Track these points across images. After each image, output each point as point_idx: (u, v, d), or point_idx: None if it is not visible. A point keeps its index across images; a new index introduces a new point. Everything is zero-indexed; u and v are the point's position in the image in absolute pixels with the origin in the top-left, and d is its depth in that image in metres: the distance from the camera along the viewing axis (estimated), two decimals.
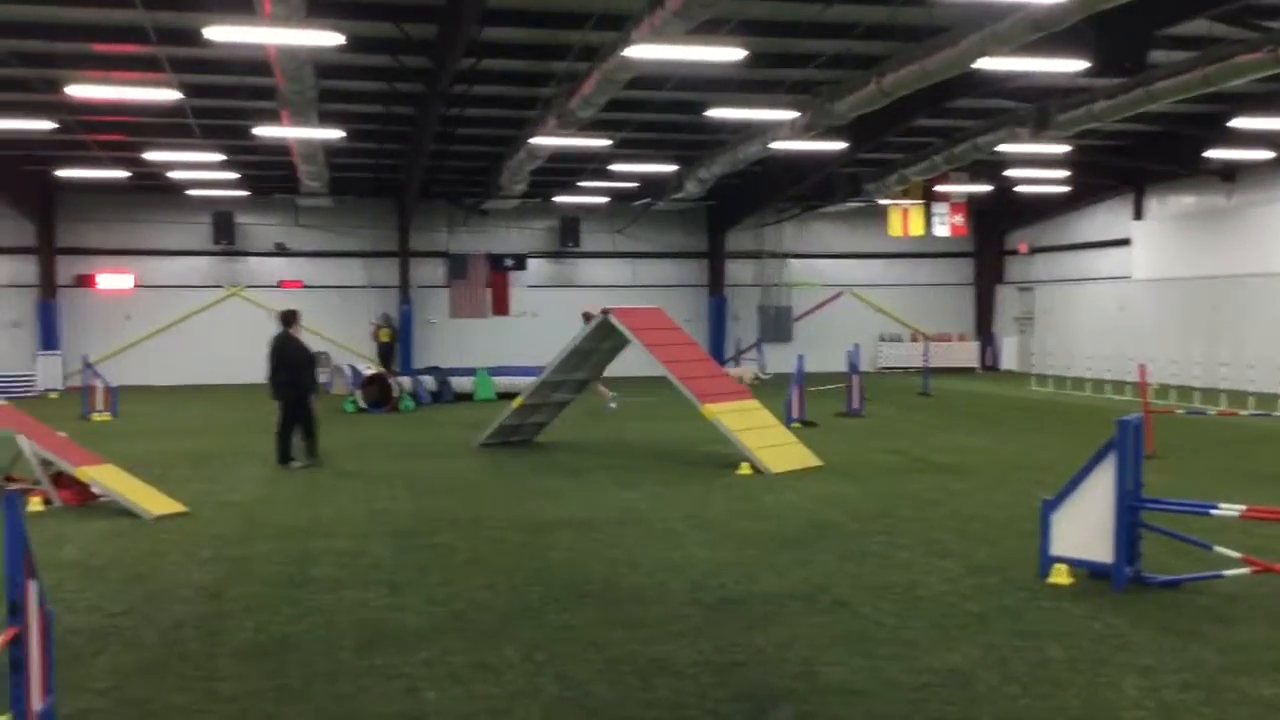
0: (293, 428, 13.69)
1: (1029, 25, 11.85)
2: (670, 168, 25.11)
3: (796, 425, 16.48)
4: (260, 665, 5.94)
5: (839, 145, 21.49)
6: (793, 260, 33.50)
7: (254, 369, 28.12)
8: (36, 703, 4.75)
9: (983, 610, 6.90)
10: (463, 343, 30.90)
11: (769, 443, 13.13)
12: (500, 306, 31.65)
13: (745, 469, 12.60)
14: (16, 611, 4.59)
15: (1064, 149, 22.64)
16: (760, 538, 9.17)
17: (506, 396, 22.36)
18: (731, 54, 13.47)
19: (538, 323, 30.81)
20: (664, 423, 17.94)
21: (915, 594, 7.33)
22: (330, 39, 12.06)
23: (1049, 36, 12.42)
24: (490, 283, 31.51)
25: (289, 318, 13.92)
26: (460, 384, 24.19)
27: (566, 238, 31.88)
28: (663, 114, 20.91)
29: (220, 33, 11.46)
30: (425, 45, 16.26)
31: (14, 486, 11.32)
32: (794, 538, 9.17)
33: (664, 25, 11.89)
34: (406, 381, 23.05)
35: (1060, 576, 7.51)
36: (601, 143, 20.81)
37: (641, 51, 12.74)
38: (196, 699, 5.43)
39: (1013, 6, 11.71)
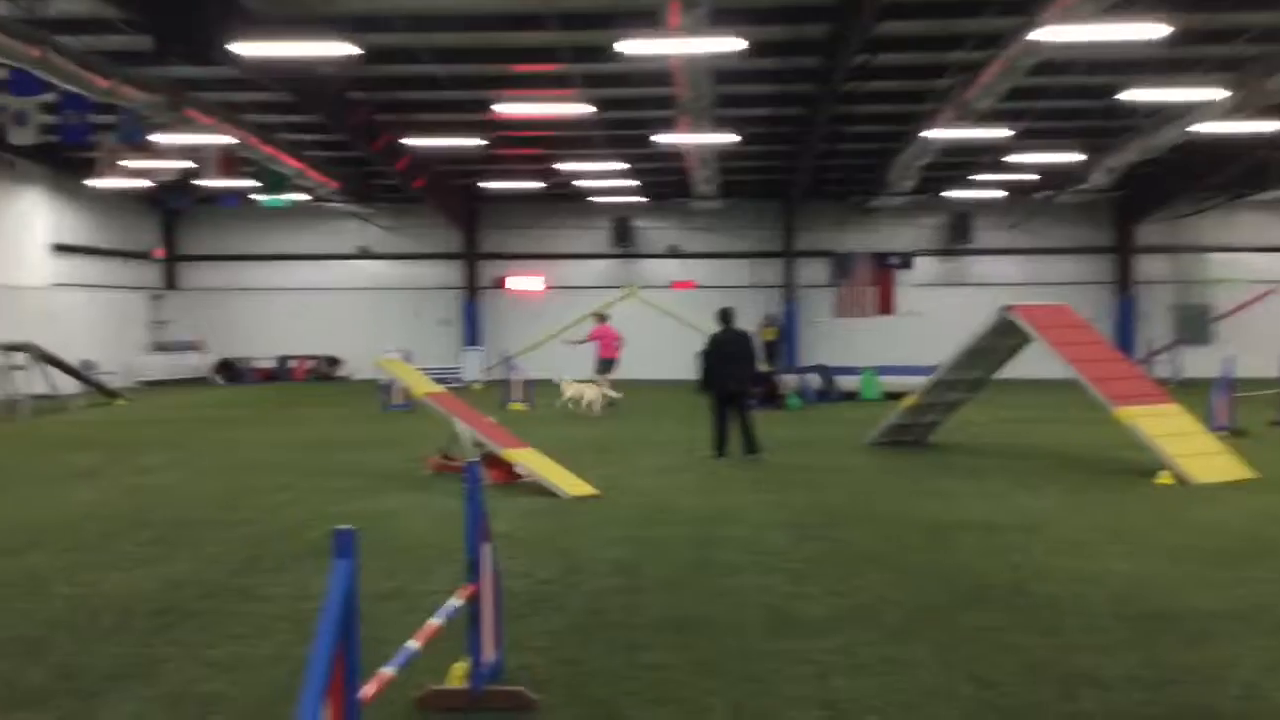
0: (745, 418, 13.85)
1: None
2: (1075, 157, 23.66)
3: (1223, 434, 14.98)
4: (676, 639, 6.23)
5: (1272, 125, 19.32)
6: (1214, 254, 30.51)
7: (647, 365, 29.76)
8: (489, 654, 5.27)
9: None
10: (846, 342, 30.82)
11: (1193, 450, 12.03)
12: (885, 306, 31.25)
13: (1165, 478, 11.62)
14: (474, 570, 5.12)
15: None
16: (1187, 552, 8.43)
17: (893, 396, 22.04)
18: (1153, 31, 12.48)
19: (925, 322, 30.15)
20: (1069, 426, 16.96)
21: None
22: (732, 45, 12.43)
23: None
24: (875, 281, 31.20)
25: (729, 315, 14.14)
26: (846, 383, 24.13)
27: (957, 234, 30.93)
28: (1068, 100, 19.80)
29: (631, 46, 12.14)
30: (818, 45, 16.38)
31: (449, 464, 12.65)
32: (1228, 554, 8.34)
33: (1077, 6, 11.27)
34: (793, 380, 23.32)
35: None
36: (1000, 133, 20.01)
37: (1050, 34, 12.13)
38: (621, 664, 5.79)
39: None
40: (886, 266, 31.10)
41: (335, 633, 3.19)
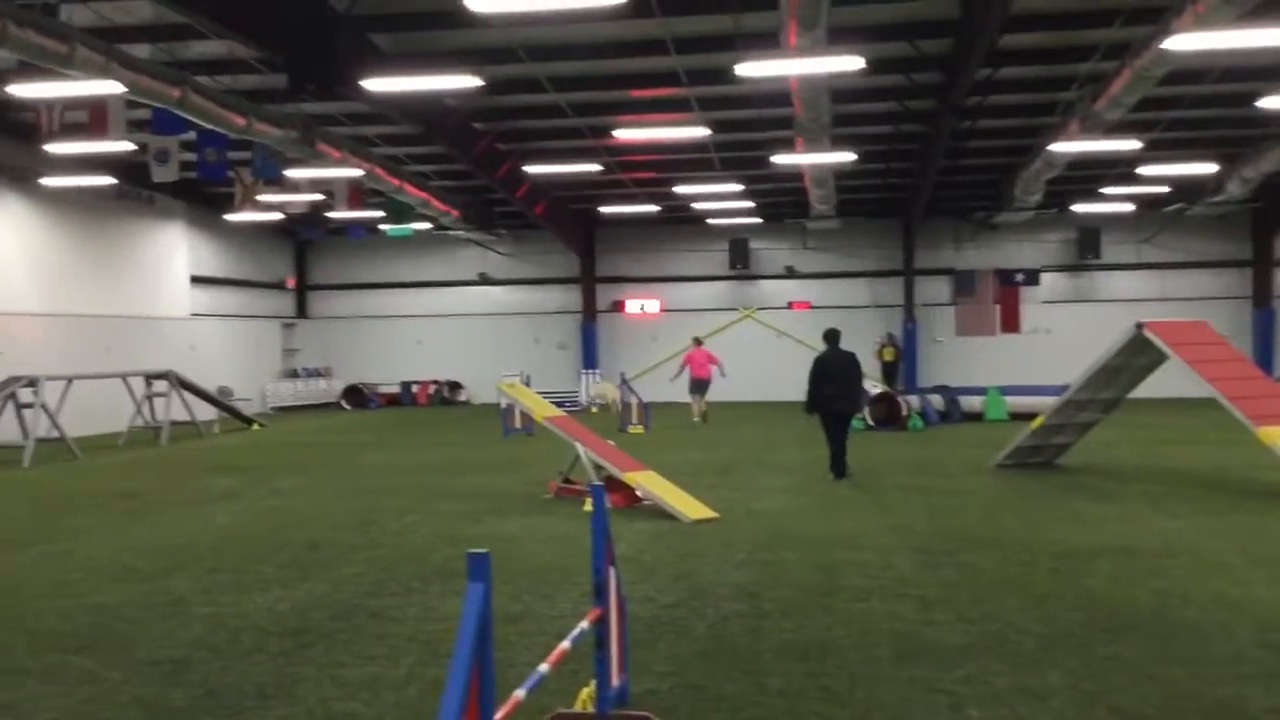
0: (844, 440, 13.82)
1: None
2: (1208, 167, 22.78)
3: None
4: (802, 665, 6.15)
5: None
6: None
7: (764, 387, 29.62)
8: (614, 679, 5.29)
9: None
10: (969, 361, 30.20)
11: None
12: (1010, 323, 30.51)
13: None
14: (600, 594, 5.15)
15: None
16: None
17: (1020, 417, 21.50)
18: None
19: (1051, 340, 29.39)
20: (1208, 447, 16.28)
21: None
22: (851, 64, 12.34)
23: None
24: (999, 299, 30.50)
25: (835, 336, 14.20)
26: (969, 403, 23.62)
27: (1085, 249, 30.04)
28: (1202, 109, 19.09)
29: (750, 69, 12.15)
30: (939, 60, 16.15)
31: (570, 488, 12.77)
32: None
33: (1210, 13, 10.87)
34: (914, 400, 22.91)
35: None
36: (1129, 145, 19.38)
37: (1183, 43, 11.71)
38: (747, 690, 5.74)
39: None
40: (1011, 283, 30.38)
41: (470, 655, 3.25)
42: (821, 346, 14.39)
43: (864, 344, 30.66)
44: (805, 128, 16.97)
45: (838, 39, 12.75)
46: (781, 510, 11.70)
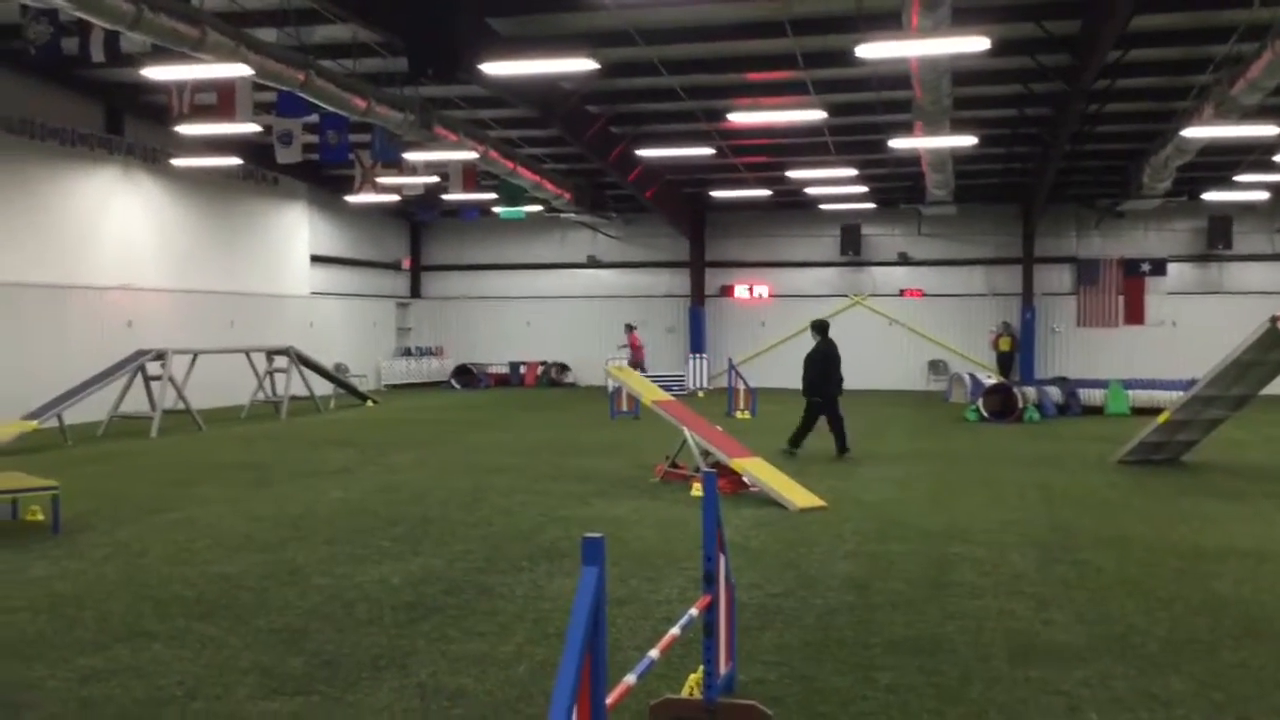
0: (815, 423, 15.10)
1: None
2: None
3: None
4: (913, 661, 6.03)
5: None
6: None
7: (873, 375, 29.20)
8: (722, 666, 5.25)
9: None
10: (1091, 353, 29.31)
11: None
12: (1134, 315, 29.47)
13: None
14: (710, 581, 5.11)
15: None
16: None
17: (1143, 412, 20.80)
18: None
19: (1178, 332, 28.34)
20: None
21: None
22: (976, 44, 12.00)
23: None
24: (1123, 289, 29.48)
25: (825, 326, 15.61)
26: (1089, 396, 22.90)
27: (1215, 239, 28.80)
28: None
29: (871, 50, 11.91)
30: (1067, 42, 15.62)
31: (677, 472, 12.76)
32: None
33: None
34: (1031, 392, 22.31)
35: None
36: (1266, 130, 18.47)
37: None
38: (856, 684, 5.65)
39: None
40: (1136, 274, 29.33)
41: (583, 639, 3.24)
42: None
43: (978, 334, 30.08)
44: (925, 111, 16.58)
45: (962, 20, 12.41)
46: (891, 501, 11.51)
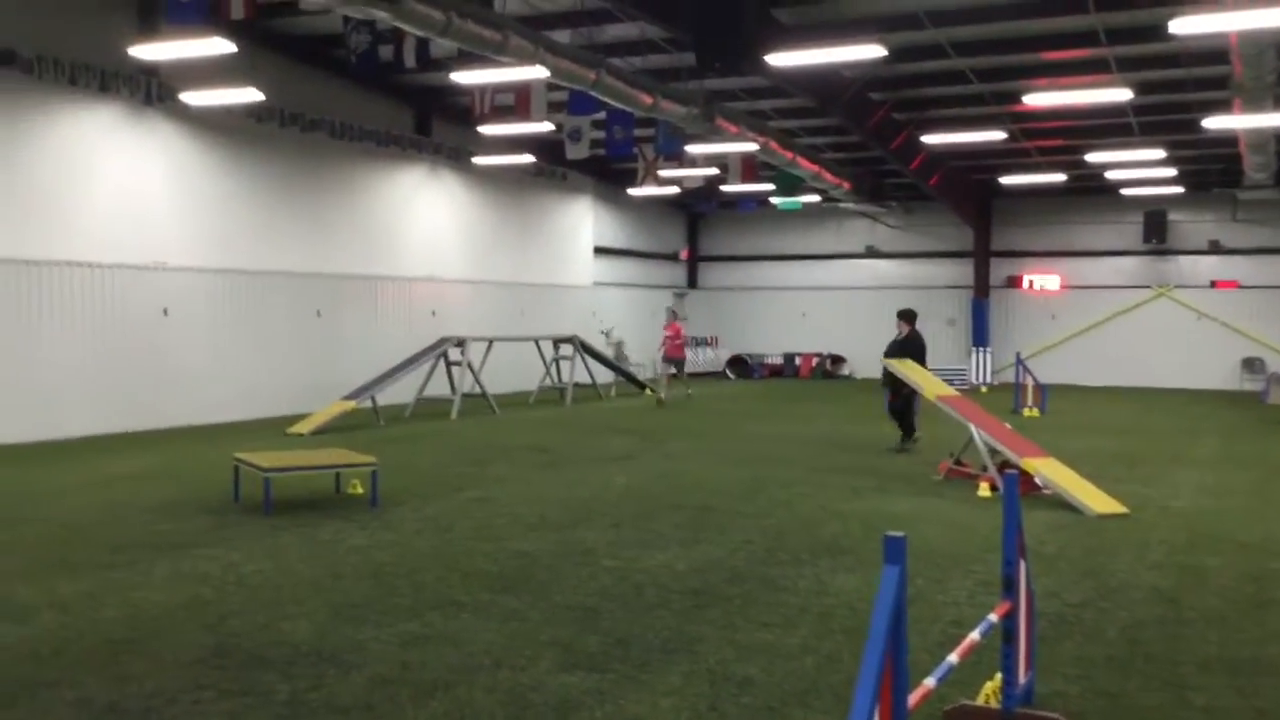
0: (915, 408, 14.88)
1: None
2: None
3: None
4: (1231, 681, 5.59)
5: None
6: None
7: (1181, 373, 27.17)
8: (1021, 676, 5.05)
9: None
10: None
11: None
12: None
13: None
14: (1010, 587, 4.93)
15: None
16: None
17: None
18: None
19: None
20: None
21: None
22: None
23: None
24: None
25: (913, 316, 15.58)
26: None
27: None
28: None
29: (1185, 24, 11.06)
30: None
31: (961, 470, 12.36)
32: None
33: None
34: None
35: None
36: None
37: None
38: (1168, 703, 5.29)
39: None
40: None
41: (885, 639, 3.21)
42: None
43: None
44: (1244, 88, 15.22)
45: None
46: (1202, 510, 10.68)
